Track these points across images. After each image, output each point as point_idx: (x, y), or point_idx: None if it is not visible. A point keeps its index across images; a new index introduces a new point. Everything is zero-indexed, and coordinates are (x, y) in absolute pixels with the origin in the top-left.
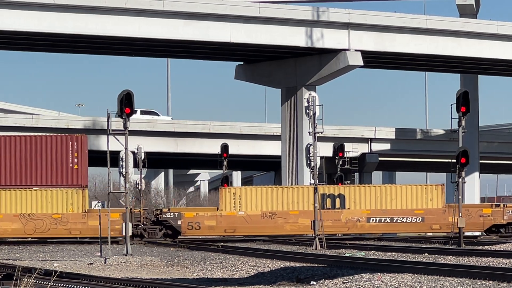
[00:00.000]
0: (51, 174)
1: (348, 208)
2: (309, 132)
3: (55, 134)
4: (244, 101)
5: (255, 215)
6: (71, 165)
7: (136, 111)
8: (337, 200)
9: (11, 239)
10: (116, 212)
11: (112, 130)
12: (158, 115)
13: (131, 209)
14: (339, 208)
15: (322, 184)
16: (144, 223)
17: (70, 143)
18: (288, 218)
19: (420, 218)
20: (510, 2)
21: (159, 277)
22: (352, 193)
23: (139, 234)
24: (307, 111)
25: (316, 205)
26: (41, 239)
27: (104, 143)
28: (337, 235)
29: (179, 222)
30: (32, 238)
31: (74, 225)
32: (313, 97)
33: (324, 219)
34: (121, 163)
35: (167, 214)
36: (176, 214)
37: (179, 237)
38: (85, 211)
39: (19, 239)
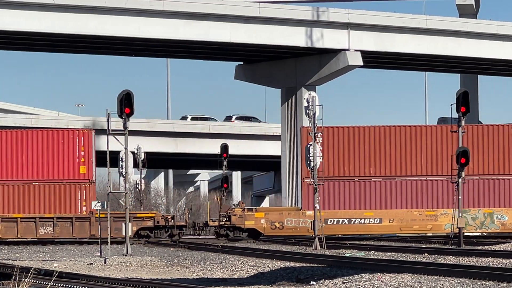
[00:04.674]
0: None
1: None
2: (309, 132)
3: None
4: (244, 101)
5: None
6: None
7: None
8: None
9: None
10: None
11: (112, 130)
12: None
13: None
14: None
15: (322, 184)
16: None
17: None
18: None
19: None
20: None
21: (159, 277)
22: None
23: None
24: (307, 111)
25: (316, 205)
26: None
27: (103, 143)
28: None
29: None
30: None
31: None
32: (313, 97)
33: None
34: (121, 163)
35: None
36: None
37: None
38: None
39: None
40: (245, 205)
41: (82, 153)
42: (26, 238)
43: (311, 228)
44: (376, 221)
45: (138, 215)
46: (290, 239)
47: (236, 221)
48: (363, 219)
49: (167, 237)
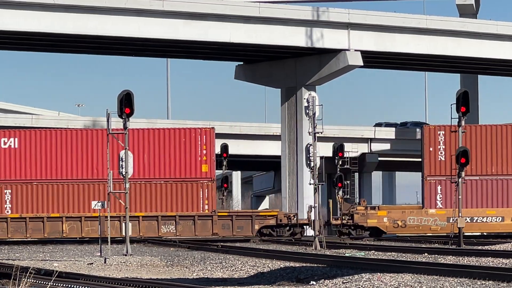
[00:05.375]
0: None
1: None
2: (309, 132)
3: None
4: (244, 101)
5: None
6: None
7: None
8: None
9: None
10: None
11: (112, 130)
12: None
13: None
14: None
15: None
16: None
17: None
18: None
19: None
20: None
21: (159, 277)
22: None
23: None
24: (307, 111)
25: (316, 205)
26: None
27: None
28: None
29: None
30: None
31: None
32: (313, 97)
33: None
34: (121, 163)
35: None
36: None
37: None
38: None
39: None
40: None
41: (204, 152)
42: (150, 237)
43: (434, 226)
44: (498, 220)
45: (260, 214)
46: (290, 239)
47: (358, 220)
48: (485, 218)
49: (289, 235)
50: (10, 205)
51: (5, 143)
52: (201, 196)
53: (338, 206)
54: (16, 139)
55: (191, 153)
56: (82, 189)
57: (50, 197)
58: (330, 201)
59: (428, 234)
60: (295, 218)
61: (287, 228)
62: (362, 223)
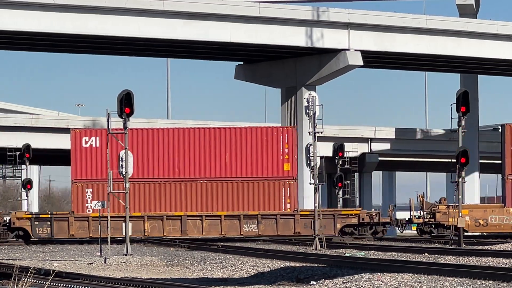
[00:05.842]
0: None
1: None
2: (309, 132)
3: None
4: (244, 101)
5: None
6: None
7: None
8: None
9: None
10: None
11: (112, 130)
12: None
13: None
14: None
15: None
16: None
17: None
18: None
19: None
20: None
21: (159, 277)
22: None
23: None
24: (307, 111)
25: (315, 205)
26: None
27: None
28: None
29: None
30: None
31: None
32: (313, 97)
33: None
34: (121, 163)
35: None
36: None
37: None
38: None
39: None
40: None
41: (286, 150)
42: (232, 236)
43: None
44: None
45: (342, 213)
46: (290, 239)
47: (440, 218)
48: None
49: (371, 235)
50: (91, 204)
51: (86, 142)
52: (283, 195)
53: (415, 204)
54: (98, 138)
55: (273, 152)
56: (183, 188)
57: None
58: (412, 199)
59: (510, 233)
60: (377, 217)
61: (369, 227)
62: (443, 222)
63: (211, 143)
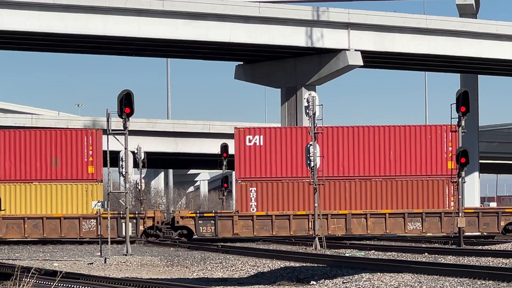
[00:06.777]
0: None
1: None
2: (309, 132)
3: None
4: (244, 101)
5: None
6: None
7: None
8: None
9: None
10: None
11: (112, 130)
12: None
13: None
14: None
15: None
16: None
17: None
18: None
19: None
20: (510, 2)
21: (159, 277)
22: None
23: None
24: (307, 111)
25: (316, 205)
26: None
27: (104, 143)
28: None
29: None
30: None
31: None
32: (313, 97)
33: None
34: (121, 163)
35: None
36: None
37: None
38: None
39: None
40: None
41: (450, 148)
42: (396, 234)
43: None
44: None
45: (506, 210)
46: (291, 239)
47: None
48: None
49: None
50: (255, 203)
51: (250, 141)
52: (447, 193)
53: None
54: (262, 136)
55: (437, 150)
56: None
57: (292, 195)
58: None
59: None
60: None
61: None
62: None
63: (375, 141)
